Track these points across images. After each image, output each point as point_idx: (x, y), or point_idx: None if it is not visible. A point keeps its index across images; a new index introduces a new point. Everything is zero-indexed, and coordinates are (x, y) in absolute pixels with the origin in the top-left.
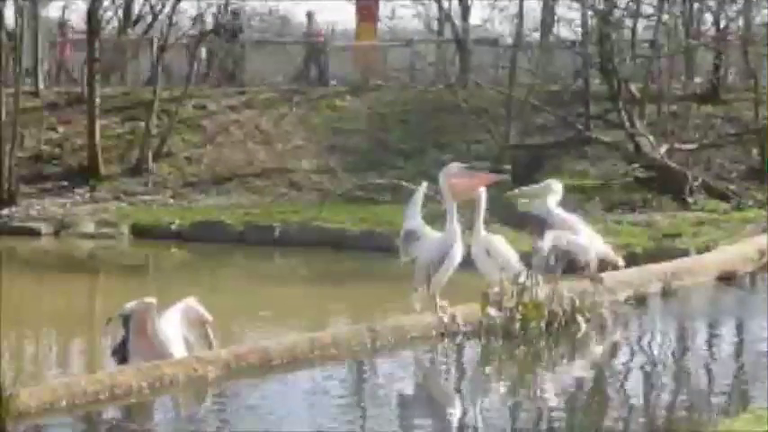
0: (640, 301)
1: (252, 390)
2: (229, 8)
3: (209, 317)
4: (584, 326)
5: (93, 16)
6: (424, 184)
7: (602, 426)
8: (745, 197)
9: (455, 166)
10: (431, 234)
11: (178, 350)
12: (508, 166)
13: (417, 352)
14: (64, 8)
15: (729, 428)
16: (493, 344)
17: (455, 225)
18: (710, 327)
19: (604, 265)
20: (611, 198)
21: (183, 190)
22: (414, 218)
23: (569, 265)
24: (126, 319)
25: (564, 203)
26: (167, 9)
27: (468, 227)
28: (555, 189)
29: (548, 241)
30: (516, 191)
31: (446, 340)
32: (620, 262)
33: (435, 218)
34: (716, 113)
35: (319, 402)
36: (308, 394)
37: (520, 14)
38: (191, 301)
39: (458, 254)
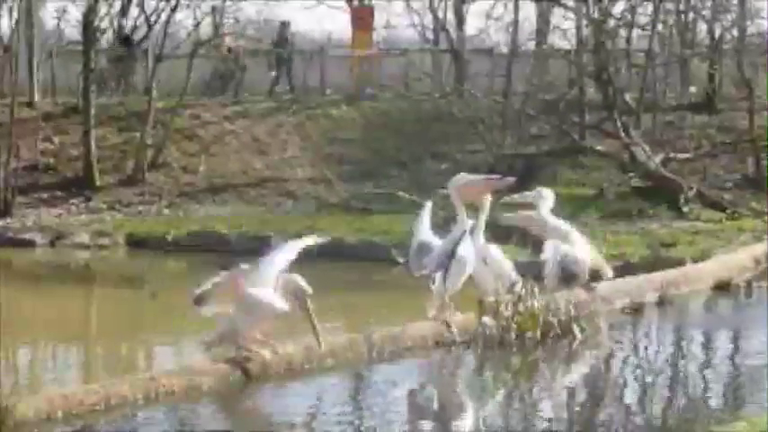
0: (637, 310)
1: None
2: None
3: (308, 288)
4: (579, 335)
5: (88, 27)
6: (429, 202)
7: None
8: (741, 206)
9: (463, 176)
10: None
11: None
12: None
13: (414, 361)
14: (59, 19)
15: None
16: (488, 353)
17: (464, 224)
18: (706, 335)
19: (596, 275)
20: (606, 207)
21: (179, 200)
22: (425, 233)
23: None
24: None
25: (557, 212)
26: (162, 20)
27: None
28: (546, 197)
29: (550, 253)
30: (508, 198)
31: (442, 349)
32: (609, 273)
33: (437, 230)
34: (711, 123)
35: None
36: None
37: (515, 24)
38: (293, 276)
39: (470, 252)
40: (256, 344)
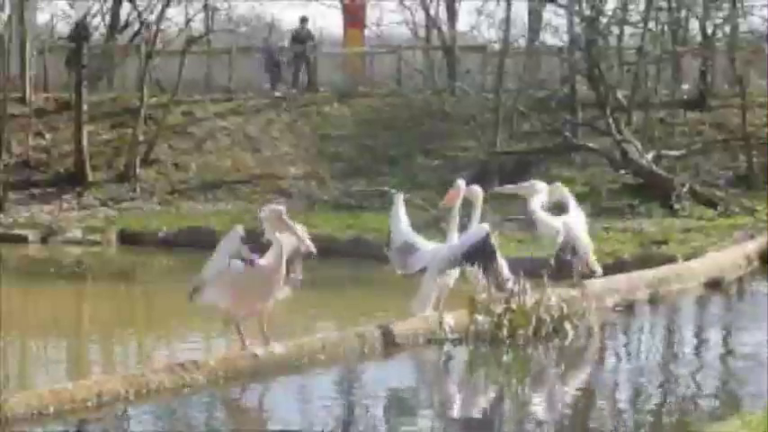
0: (628, 307)
1: None
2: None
3: (277, 208)
4: (571, 333)
5: (80, 24)
6: (401, 195)
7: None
8: (733, 203)
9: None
10: (429, 244)
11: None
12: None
13: (405, 358)
14: (52, 15)
15: None
16: (480, 350)
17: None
18: (698, 333)
19: (586, 272)
20: (598, 205)
21: (171, 196)
22: (405, 230)
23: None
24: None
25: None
26: (154, 15)
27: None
28: (539, 190)
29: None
30: (498, 188)
31: (434, 346)
32: (599, 271)
33: (420, 227)
34: (703, 120)
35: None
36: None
37: (507, 21)
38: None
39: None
40: (258, 336)
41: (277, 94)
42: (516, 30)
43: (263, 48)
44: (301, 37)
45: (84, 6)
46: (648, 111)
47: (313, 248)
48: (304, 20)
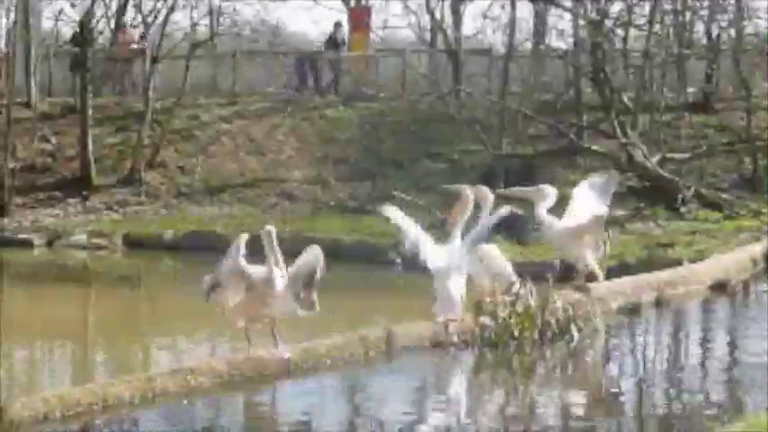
0: (634, 310)
1: None
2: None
3: (269, 228)
4: (576, 335)
5: (84, 27)
6: (389, 207)
7: None
8: (738, 206)
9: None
10: (437, 245)
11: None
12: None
13: (410, 361)
14: (56, 18)
15: None
16: (486, 353)
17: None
18: (703, 336)
19: (591, 276)
20: None
21: (176, 200)
22: (415, 232)
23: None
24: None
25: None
26: (160, 20)
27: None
28: (547, 195)
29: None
30: (501, 191)
31: (439, 350)
32: (601, 277)
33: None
34: (708, 123)
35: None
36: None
37: (512, 24)
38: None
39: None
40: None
41: (296, 94)
42: (521, 33)
43: (302, 53)
44: (336, 42)
45: (85, 6)
46: (654, 114)
47: (286, 279)
48: (338, 25)
